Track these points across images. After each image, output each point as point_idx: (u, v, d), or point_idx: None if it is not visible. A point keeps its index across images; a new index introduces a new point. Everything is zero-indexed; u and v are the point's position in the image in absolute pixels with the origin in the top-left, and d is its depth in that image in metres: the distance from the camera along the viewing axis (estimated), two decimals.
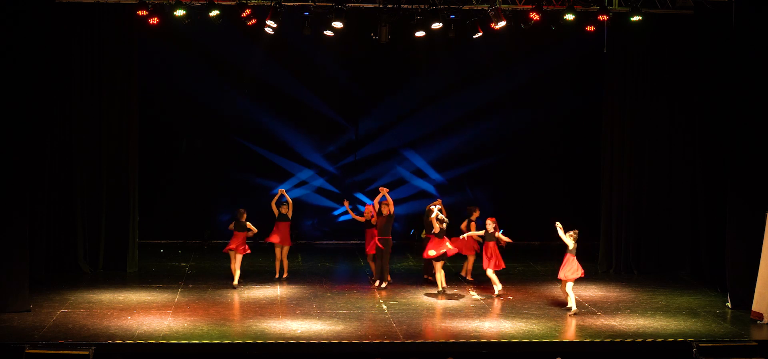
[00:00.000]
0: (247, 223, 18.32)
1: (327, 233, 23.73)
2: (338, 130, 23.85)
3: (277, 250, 19.03)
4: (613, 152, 20.16)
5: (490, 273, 17.75)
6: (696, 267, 19.64)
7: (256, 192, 23.46)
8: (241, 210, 18.42)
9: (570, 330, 15.59)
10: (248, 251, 18.50)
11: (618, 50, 19.97)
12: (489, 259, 17.74)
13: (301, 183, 23.77)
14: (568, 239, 16.93)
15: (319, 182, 23.87)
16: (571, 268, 16.78)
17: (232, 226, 18.41)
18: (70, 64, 19.15)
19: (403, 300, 17.51)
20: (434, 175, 24.14)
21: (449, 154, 24.05)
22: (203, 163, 23.30)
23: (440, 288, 17.71)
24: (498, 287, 17.77)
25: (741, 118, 17.06)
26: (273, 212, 18.99)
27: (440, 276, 17.78)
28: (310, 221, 20.39)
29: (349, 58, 22.86)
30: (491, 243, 17.74)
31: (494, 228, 17.76)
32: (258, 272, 19.63)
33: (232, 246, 18.27)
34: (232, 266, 18.36)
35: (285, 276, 19.06)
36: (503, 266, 17.84)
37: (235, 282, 18.25)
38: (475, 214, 18.95)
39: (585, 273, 20.09)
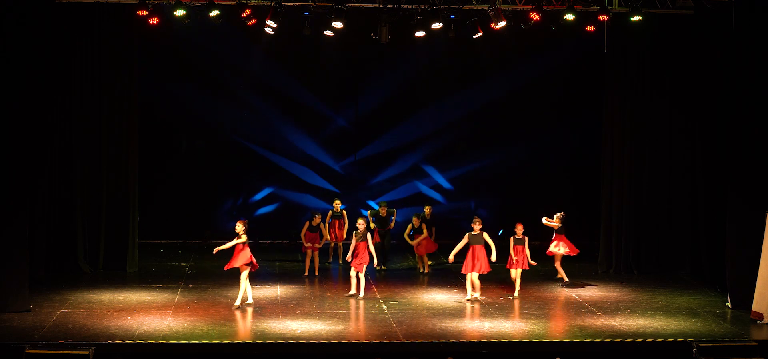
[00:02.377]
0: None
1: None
2: (338, 130, 23.85)
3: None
4: (613, 152, 20.16)
5: (352, 273, 17.55)
6: (696, 267, 19.63)
7: (256, 192, 23.49)
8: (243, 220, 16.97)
9: (570, 330, 15.56)
10: (255, 266, 16.85)
11: (618, 50, 19.97)
12: (357, 259, 17.48)
13: (301, 183, 23.78)
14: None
15: (319, 182, 23.87)
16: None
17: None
18: (70, 64, 19.16)
19: (403, 300, 17.51)
20: (434, 175, 24.15)
21: (448, 155, 24.05)
22: (203, 163, 23.30)
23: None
24: (352, 291, 17.53)
25: (741, 118, 17.05)
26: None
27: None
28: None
29: (349, 59, 22.84)
30: (362, 244, 17.49)
31: (365, 228, 17.57)
32: (258, 272, 19.58)
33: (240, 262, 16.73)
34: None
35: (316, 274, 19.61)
36: (367, 263, 17.55)
37: (238, 301, 16.79)
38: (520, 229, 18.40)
39: (583, 273, 20.25)
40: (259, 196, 23.57)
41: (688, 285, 19.07)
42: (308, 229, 19.60)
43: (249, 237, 16.82)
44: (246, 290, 16.71)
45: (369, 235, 17.63)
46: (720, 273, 17.80)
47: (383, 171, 24.06)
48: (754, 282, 16.41)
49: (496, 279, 18.45)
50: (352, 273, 17.58)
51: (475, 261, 17.22)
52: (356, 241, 17.56)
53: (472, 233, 17.30)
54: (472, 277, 17.35)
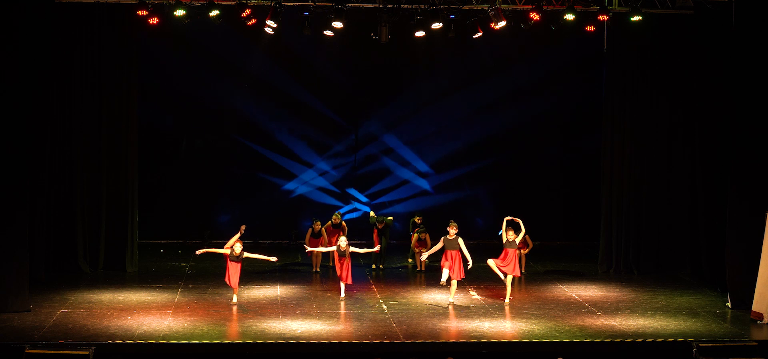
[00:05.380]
0: (245, 252, 17.04)
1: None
2: (338, 130, 23.84)
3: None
4: (613, 152, 20.15)
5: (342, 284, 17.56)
6: (696, 267, 19.64)
7: (256, 192, 23.47)
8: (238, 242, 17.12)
9: (570, 330, 15.55)
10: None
11: (618, 50, 19.97)
12: (343, 270, 17.49)
13: (302, 183, 23.78)
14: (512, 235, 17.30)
15: (319, 182, 23.87)
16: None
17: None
18: (70, 65, 19.16)
19: (403, 300, 17.51)
20: (434, 176, 24.14)
21: (449, 155, 24.04)
22: (203, 163, 23.29)
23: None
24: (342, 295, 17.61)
25: (741, 118, 17.05)
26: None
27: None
28: (308, 224, 20.50)
29: (349, 58, 22.84)
30: (345, 260, 17.44)
31: (347, 246, 17.49)
32: (258, 272, 19.63)
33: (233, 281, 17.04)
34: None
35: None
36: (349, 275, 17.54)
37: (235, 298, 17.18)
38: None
39: (583, 273, 20.23)
40: (258, 196, 23.54)
41: (688, 285, 19.07)
42: (311, 235, 20.06)
43: (250, 238, 16.95)
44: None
45: (349, 251, 17.50)
46: (720, 273, 17.80)
47: (382, 171, 24.04)
48: (754, 282, 16.41)
49: (494, 279, 18.41)
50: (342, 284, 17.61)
51: (451, 265, 16.98)
52: (338, 256, 17.51)
53: (448, 237, 17.06)
54: (444, 279, 17.15)
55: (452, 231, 17.06)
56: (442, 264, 17.17)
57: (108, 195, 19.55)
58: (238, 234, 17.23)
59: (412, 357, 14.39)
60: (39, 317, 15.73)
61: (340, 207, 23.30)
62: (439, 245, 17.21)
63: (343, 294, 17.48)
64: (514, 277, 17.39)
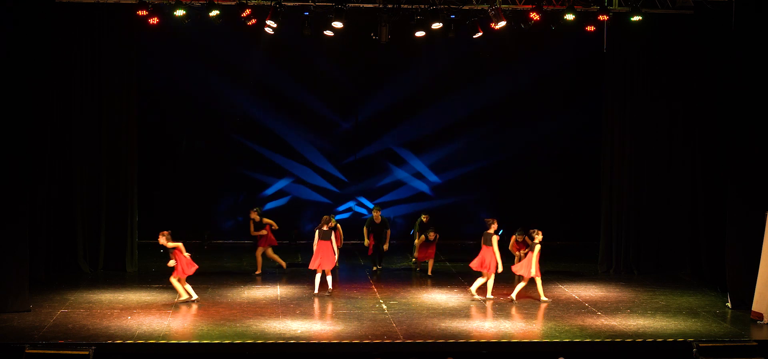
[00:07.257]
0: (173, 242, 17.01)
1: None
2: (338, 130, 23.86)
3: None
4: (613, 152, 20.15)
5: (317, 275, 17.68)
6: (696, 267, 19.64)
7: (256, 192, 23.48)
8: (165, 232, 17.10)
9: (570, 330, 15.55)
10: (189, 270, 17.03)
11: (618, 50, 19.98)
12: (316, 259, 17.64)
13: (301, 183, 23.79)
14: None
15: (319, 182, 23.88)
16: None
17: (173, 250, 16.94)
18: (70, 65, 19.16)
19: (403, 300, 17.51)
20: (433, 177, 24.14)
21: (449, 155, 24.05)
22: (203, 162, 23.30)
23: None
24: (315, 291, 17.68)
25: (741, 118, 17.05)
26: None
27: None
28: (311, 225, 20.47)
29: (349, 58, 22.85)
30: (323, 242, 17.62)
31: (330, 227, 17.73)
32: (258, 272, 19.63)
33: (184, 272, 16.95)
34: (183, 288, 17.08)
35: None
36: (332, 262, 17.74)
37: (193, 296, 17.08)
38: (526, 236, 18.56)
39: (583, 273, 20.23)
40: (258, 196, 23.55)
41: (688, 285, 19.07)
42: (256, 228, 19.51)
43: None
44: (183, 290, 16.99)
45: (333, 235, 17.61)
46: (720, 273, 17.80)
47: (382, 171, 24.05)
48: (754, 282, 16.41)
49: (495, 279, 18.46)
50: (317, 275, 17.65)
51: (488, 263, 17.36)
52: (318, 239, 17.55)
53: (487, 232, 17.40)
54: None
55: (493, 226, 17.28)
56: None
57: (108, 195, 19.56)
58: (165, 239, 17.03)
59: (412, 357, 14.38)
60: (39, 317, 15.72)
61: (339, 208, 23.32)
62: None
63: (316, 290, 17.44)
64: (518, 276, 17.55)
